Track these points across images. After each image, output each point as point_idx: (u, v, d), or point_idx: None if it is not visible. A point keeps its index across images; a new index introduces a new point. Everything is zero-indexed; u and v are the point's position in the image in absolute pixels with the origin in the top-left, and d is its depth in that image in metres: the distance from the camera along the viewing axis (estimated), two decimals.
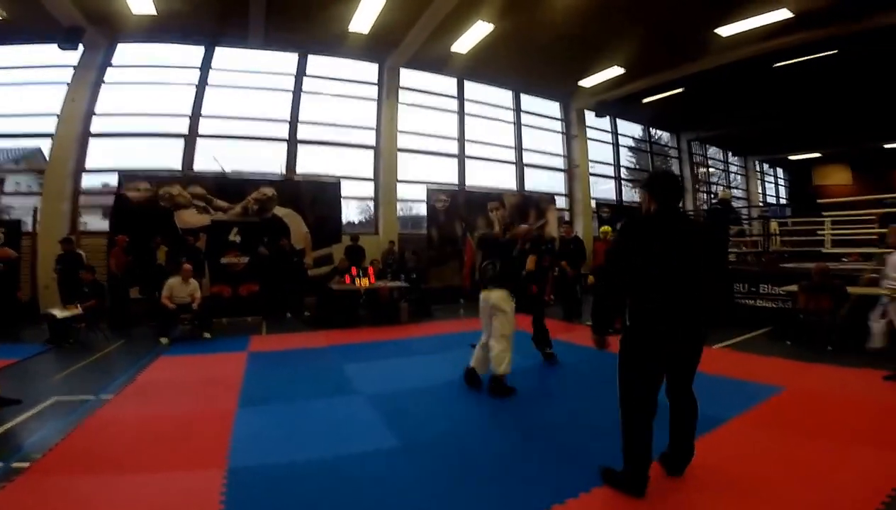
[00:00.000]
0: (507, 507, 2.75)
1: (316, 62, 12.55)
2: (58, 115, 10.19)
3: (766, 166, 25.95)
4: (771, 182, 26.57)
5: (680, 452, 2.98)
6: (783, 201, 25.80)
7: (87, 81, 10.50)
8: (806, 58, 11.59)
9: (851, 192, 20.65)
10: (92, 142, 10.69)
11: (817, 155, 22.65)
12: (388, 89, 13.03)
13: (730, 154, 23.54)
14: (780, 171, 27.06)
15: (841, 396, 4.64)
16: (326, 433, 3.93)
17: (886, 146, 20.02)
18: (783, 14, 9.92)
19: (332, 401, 4.77)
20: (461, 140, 14.43)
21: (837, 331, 6.45)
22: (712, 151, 22.55)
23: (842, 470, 3.09)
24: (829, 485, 2.89)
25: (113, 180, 10.48)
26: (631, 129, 19.42)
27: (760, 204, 23.55)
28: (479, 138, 14.79)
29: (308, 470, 3.25)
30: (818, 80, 13.38)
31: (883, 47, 11.00)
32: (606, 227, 10.35)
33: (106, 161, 10.81)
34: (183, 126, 11.32)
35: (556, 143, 16.70)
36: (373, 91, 13.22)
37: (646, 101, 15.31)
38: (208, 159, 11.41)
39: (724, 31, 10.85)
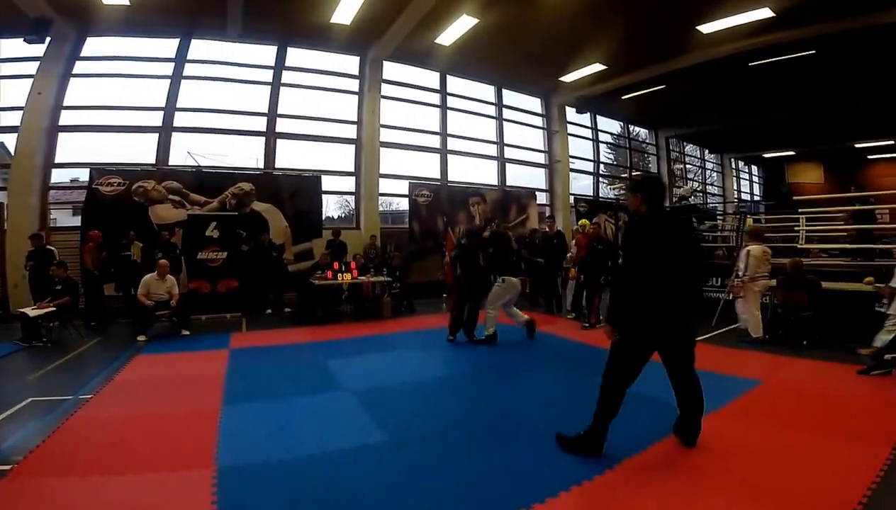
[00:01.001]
0: (494, 502, 2.76)
1: (295, 54, 12.33)
2: (23, 108, 9.79)
3: (741, 163, 26.46)
4: (746, 179, 27.09)
5: (692, 427, 3.32)
6: (757, 198, 26.30)
7: (55, 74, 10.11)
8: (783, 57, 11.77)
9: (824, 189, 21.26)
10: (62, 136, 10.34)
11: (791, 153, 23.18)
12: (370, 82, 12.90)
13: (706, 151, 23.93)
14: (754, 169, 27.61)
15: (817, 390, 4.71)
16: (314, 429, 3.90)
17: (857, 145, 20.62)
18: (765, 13, 10.06)
19: (317, 398, 4.74)
20: (443, 134, 14.38)
21: (812, 325, 6.59)
22: (689, 148, 22.89)
23: (821, 463, 3.13)
24: (809, 479, 2.92)
25: (83, 175, 10.14)
26: (610, 126, 19.58)
27: (735, 200, 23.97)
28: (462, 133, 14.77)
29: (299, 467, 3.23)
30: (794, 80, 13.67)
31: (858, 49, 11.29)
32: (584, 221, 10.44)
33: (77, 155, 10.46)
34: (157, 119, 11.02)
35: (537, 139, 16.78)
36: (354, 84, 13.06)
37: (626, 97, 15.43)
38: (184, 153, 11.18)
39: (706, 28, 10.95)
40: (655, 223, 3.13)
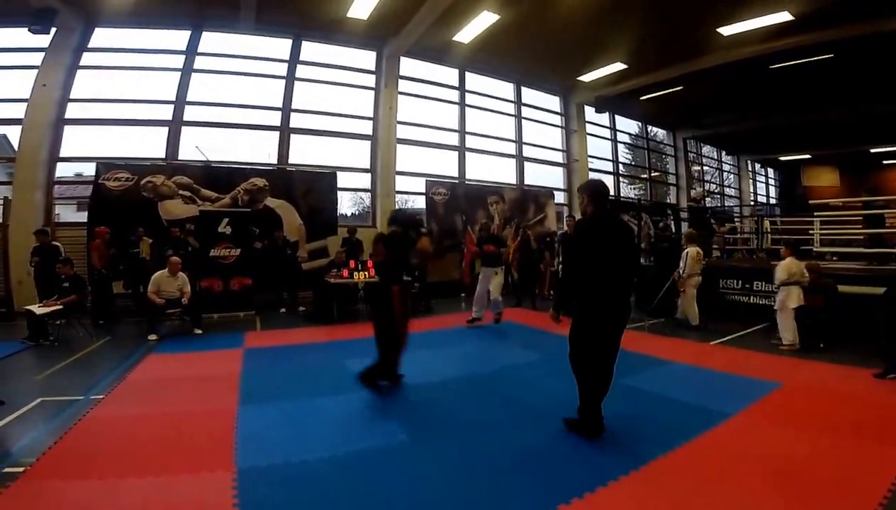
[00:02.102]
0: (518, 504, 2.70)
1: (311, 48, 12.04)
2: (27, 101, 9.49)
3: (757, 166, 26.13)
4: (762, 181, 26.77)
5: (596, 413, 3.56)
6: (773, 200, 25.97)
7: (61, 66, 9.82)
8: (802, 60, 11.56)
9: (839, 193, 21.02)
10: (68, 129, 10.03)
11: (807, 156, 22.85)
12: (386, 78, 12.59)
13: (723, 153, 23.63)
14: (770, 171, 27.27)
15: (836, 392, 4.73)
16: (334, 430, 3.81)
17: (873, 150, 20.31)
18: (784, 16, 9.95)
19: (336, 398, 4.58)
20: (461, 132, 14.08)
21: (828, 328, 6.53)
22: (706, 149, 22.61)
23: (841, 465, 3.11)
24: (830, 481, 2.91)
25: (87, 170, 9.80)
26: (628, 126, 19.34)
27: (752, 202, 23.63)
28: (480, 131, 14.47)
29: (321, 468, 3.14)
30: (811, 83, 13.43)
31: (876, 53, 11.11)
32: None
33: (83, 149, 10.11)
34: (167, 113, 10.72)
35: (555, 138, 16.49)
36: (370, 80, 12.76)
37: (644, 98, 15.15)
38: (194, 148, 10.90)
39: (726, 30, 10.78)
40: (596, 224, 3.59)
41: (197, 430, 3.74)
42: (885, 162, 21.45)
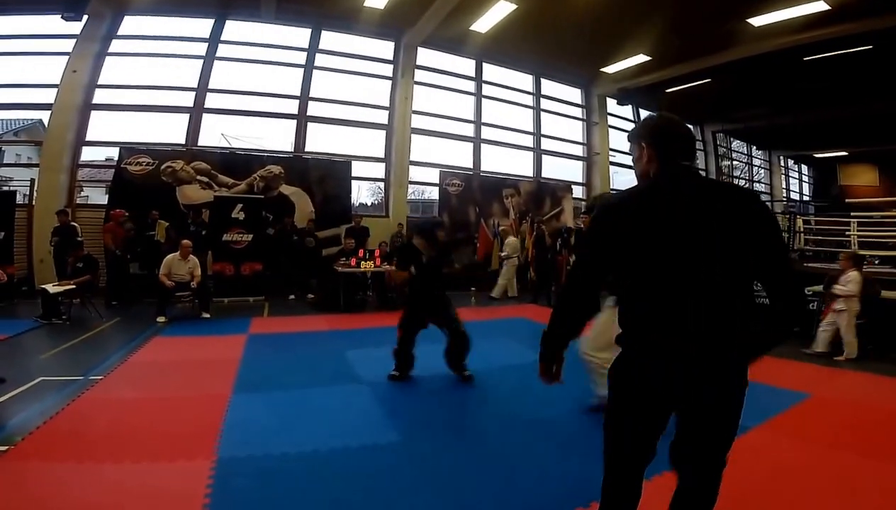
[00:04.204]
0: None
1: (329, 38, 12.08)
2: (57, 86, 9.79)
3: (790, 162, 25.16)
4: (795, 178, 25.78)
5: None
6: (806, 198, 25.08)
7: (91, 52, 10.08)
8: (839, 52, 10.99)
9: (878, 193, 20.06)
10: (94, 114, 10.32)
11: (843, 153, 21.88)
12: (403, 68, 12.55)
13: (754, 148, 22.83)
14: (804, 168, 26.25)
15: (866, 406, 4.44)
16: (323, 423, 3.72)
17: None
18: (820, 6, 9.43)
19: (331, 390, 4.54)
20: (477, 123, 13.94)
21: (866, 335, 6.13)
22: (736, 144, 21.88)
23: (866, 485, 2.91)
24: (853, 501, 2.74)
25: (116, 154, 10.10)
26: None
27: (784, 199, 22.86)
28: (496, 122, 14.29)
29: (300, 463, 3.07)
30: (849, 76, 12.81)
31: None
32: None
33: (108, 134, 10.45)
34: (188, 100, 10.93)
35: (575, 131, 16.18)
36: (387, 69, 12.74)
37: (670, 90, 14.70)
38: (214, 134, 11.08)
39: (758, 20, 10.31)
40: (653, 194, 1.75)
41: (186, 416, 3.74)
42: None
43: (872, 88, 13.75)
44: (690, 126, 1.55)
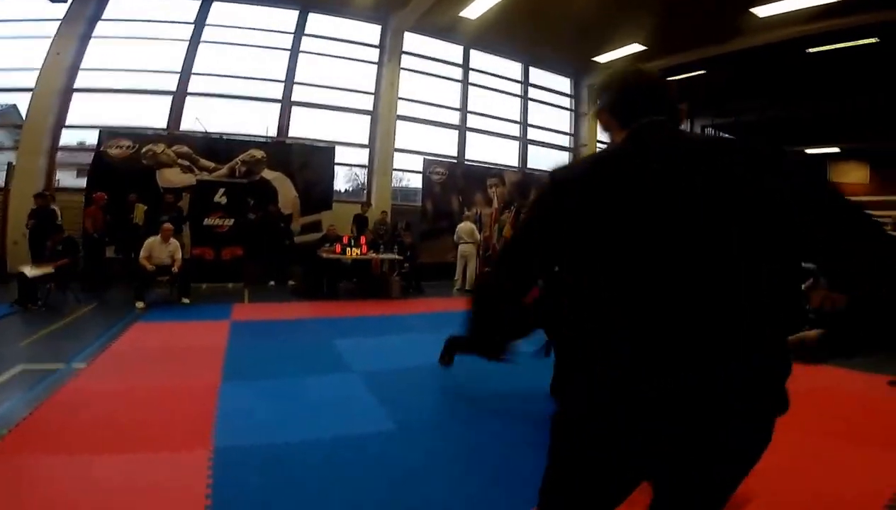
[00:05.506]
0: (506, 501, 2.62)
1: (316, 20, 11.90)
2: (39, 69, 9.61)
3: None
4: None
5: None
6: None
7: (75, 35, 9.90)
8: (844, 45, 10.89)
9: (868, 190, 20.21)
10: (75, 97, 10.15)
11: (835, 150, 21.97)
12: (390, 53, 12.42)
13: None
14: None
15: (845, 397, 4.61)
16: (320, 412, 3.74)
17: None
18: None
19: (323, 379, 4.54)
20: (463, 111, 13.88)
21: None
22: None
23: (846, 470, 3.07)
24: (832, 485, 2.87)
25: (90, 138, 10.01)
26: None
27: None
28: (483, 110, 14.22)
29: (301, 451, 3.07)
30: (847, 70, 12.64)
31: None
32: None
33: (87, 117, 10.29)
34: (172, 83, 10.75)
35: (563, 121, 16.13)
36: (373, 54, 12.60)
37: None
38: (194, 119, 10.84)
39: (762, 10, 10.08)
40: (622, 160, 1.36)
41: (176, 406, 3.70)
42: None
43: (872, 82, 13.48)
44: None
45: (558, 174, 1.23)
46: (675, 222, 1.05)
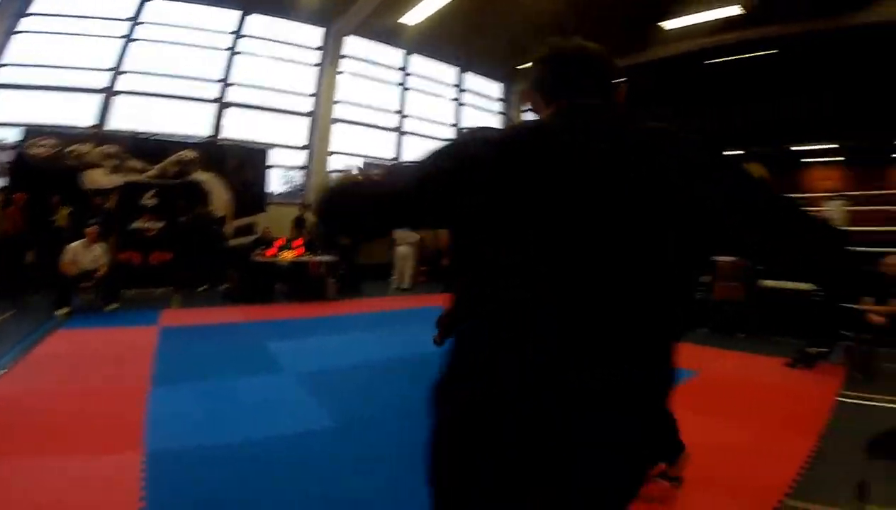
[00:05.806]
0: None
1: (257, 21, 11.69)
2: None
3: None
4: None
5: None
6: None
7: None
8: (744, 56, 11.82)
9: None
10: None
11: (740, 153, 23.56)
12: (332, 56, 12.46)
13: None
14: None
15: (749, 381, 4.97)
16: (253, 413, 3.74)
17: (794, 148, 21.21)
18: (734, 10, 10.05)
19: (256, 380, 4.53)
20: (401, 114, 14.12)
21: (748, 318, 6.99)
22: None
23: (753, 452, 3.26)
24: (741, 467, 3.03)
25: (11, 136, 9.35)
26: None
27: None
28: (419, 114, 14.53)
29: (236, 452, 3.08)
30: (749, 79, 13.25)
31: (821, 50, 11.16)
32: None
33: (10, 115, 9.62)
34: (102, 81, 10.27)
35: (493, 124, 16.63)
36: (315, 57, 12.58)
37: None
38: (125, 117, 10.42)
39: (669, 24, 10.92)
40: (539, 135, 1.30)
41: (105, 409, 3.62)
42: (803, 160, 22.46)
43: (775, 91, 14.13)
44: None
45: (486, 131, 1.11)
46: (580, 211, 0.96)
